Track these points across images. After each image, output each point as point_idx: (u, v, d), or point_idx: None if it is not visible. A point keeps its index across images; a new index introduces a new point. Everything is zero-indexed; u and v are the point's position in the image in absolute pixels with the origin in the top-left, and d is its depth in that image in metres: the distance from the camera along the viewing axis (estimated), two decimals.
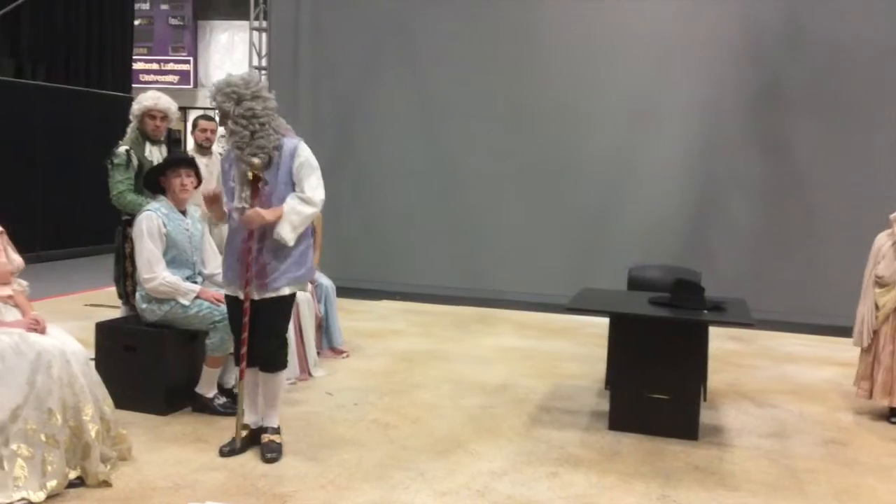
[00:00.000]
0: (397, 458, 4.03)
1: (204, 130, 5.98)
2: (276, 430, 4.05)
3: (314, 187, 3.90)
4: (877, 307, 4.81)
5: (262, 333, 3.96)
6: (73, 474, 3.48)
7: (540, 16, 8.37)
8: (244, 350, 3.95)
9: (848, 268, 7.52)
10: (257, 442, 4.03)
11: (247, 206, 3.84)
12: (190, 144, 7.38)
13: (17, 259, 3.79)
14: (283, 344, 4.05)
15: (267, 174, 3.87)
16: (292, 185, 3.90)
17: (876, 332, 4.83)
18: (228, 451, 3.97)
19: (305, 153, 3.93)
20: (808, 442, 4.47)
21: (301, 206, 3.86)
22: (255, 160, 3.80)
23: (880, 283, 4.81)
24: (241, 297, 3.93)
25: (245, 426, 4.06)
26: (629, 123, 8.15)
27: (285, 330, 4.08)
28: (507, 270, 8.45)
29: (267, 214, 3.82)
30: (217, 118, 4.03)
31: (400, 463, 3.96)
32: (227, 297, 4.11)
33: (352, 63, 8.89)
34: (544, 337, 6.98)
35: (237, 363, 4.05)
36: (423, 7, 8.70)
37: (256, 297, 3.92)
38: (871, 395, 4.86)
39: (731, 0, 7.93)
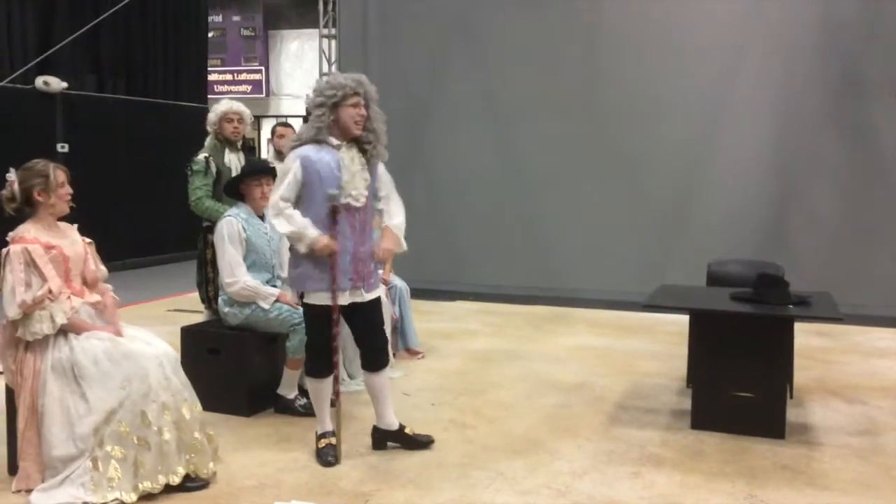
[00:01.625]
0: (476, 457, 4.03)
1: (282, 136, 6.12)
2: None
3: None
4: None
5: (372, 333, 4.07)
6: (180, 473, 3.53)
7: (608, 10, 8.26)
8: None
9: None
10: (382, 445, 4.12)
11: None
12: (266, 152, 7.55)
13: (102, 269, 3.94)
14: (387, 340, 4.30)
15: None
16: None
17: None
18: (334, 460, 3.96)
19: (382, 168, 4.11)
20: None
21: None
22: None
23: None
24: (348, 301, 3.91)
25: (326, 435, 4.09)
26: (704, 116, 7.97)
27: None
28: (581, 268, 8.36)
29: (392, 245, 4.13)
30: (363, 103, 3.90)
31: (479, 462, 3.96)
32: (324, 307, 3.91)
33: (420, 67, 8.94)
34: (620, 335, 6.88)
35: (317, 373, 4.02)
36: (490, 8, 8.68)
37: (368, 298, 4.00)
38: None
39: None
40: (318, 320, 3.94)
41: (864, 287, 7.30)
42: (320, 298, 3.90)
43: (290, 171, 3.84)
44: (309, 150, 3.85)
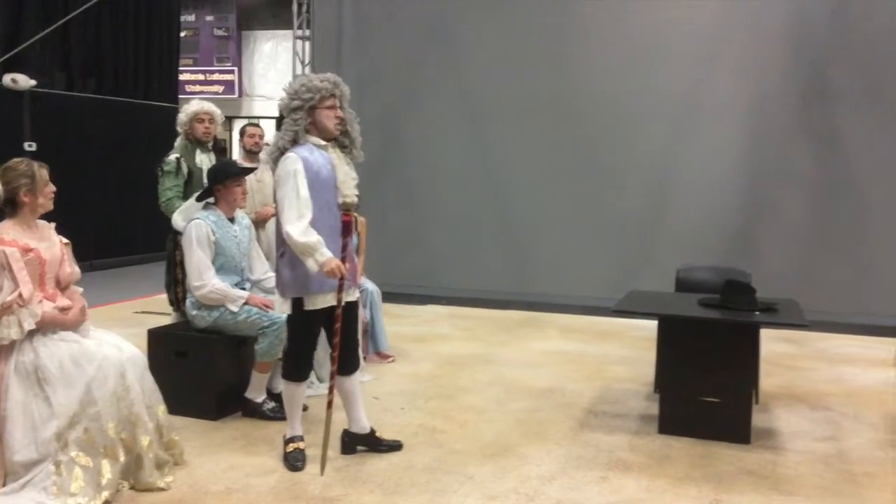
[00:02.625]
0: (445, 462, 4.03)
1: (252, 136, 6.08)
2: None
3: None
4: None
5: (350, 335, 4.01)
6: (125, 486, 3.55)
7: (582, 16, 8.31)
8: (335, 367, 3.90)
9: None
10: (352, 449, 4.10)
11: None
12: (237, 153, 7.51)
13: (76, 270, 3.89)
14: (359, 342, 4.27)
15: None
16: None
17: None
18: (301, 465, 3.92)
19: None
20: (864, 445, 4.36)
21: None
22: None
23: None
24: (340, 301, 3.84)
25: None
26: (675, 122, 8.04)
27: None
28: (553, 274, 8.39)
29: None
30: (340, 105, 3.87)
31: (448, 467, 3.96)
32: (322, 310, 3.87)
33: (395, 68, 8.93)
34: (591, 340, 6.92)
35: (297, 377, 3.97)
36: (465, 10, 8.69)
37: (354, 298, 3.99)
38: None
39: None
40: (312, 324, 3.92)
41: (830, 294, 7.40)
42: (324, 301, 3.83)
43: (296, 174, 3.67)
44: (304, 151, 3.75)
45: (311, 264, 3.65)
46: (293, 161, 3.71)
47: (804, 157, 7.73)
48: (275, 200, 3.90)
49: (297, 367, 3.98)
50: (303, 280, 3.78)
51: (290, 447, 3.97)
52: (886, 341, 6.84)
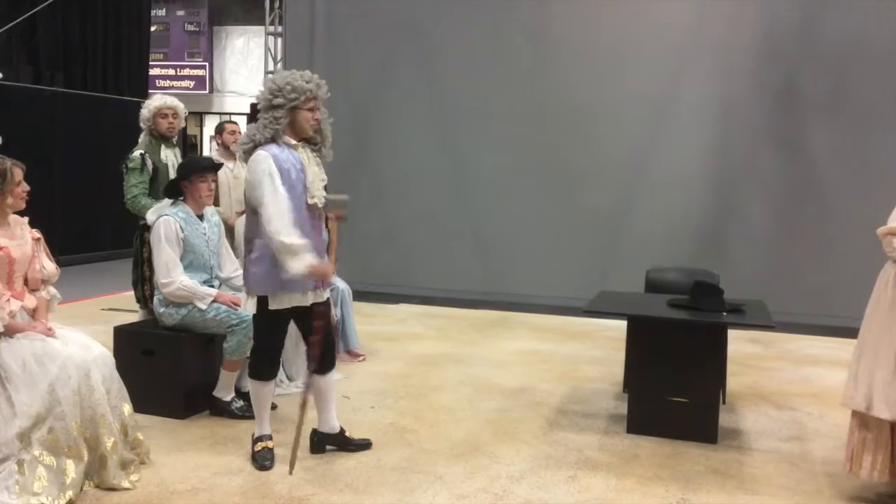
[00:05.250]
0: (415, 461, 4.02)
1: (232, 133, 6.02)
2: None
3: None
4: None
5: (329, 336, 4.04)
6: (90, 485, 3.51)
7: (554, 18, 8.35)
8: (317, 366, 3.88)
9: (867, 269, 7.45)
10: (321, 448, 4.08)
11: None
12: (210, 149, 7.44)
13: (50, 266, 3.82)
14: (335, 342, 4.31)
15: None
16: None
17: None
18: (270, 464, 3.90)
19: None
20: (829, 445, 4.42)
21: None
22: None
23: None
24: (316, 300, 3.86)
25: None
26: (645, 125, 8.11)
27: None
28: (525, 274, 8.42)
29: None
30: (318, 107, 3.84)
31: (418, 466, 3.95)
32: (288, 310, 3.85)
33: (367, 67, 8.90)
34: (562, 340, 6.95)
35: (263, 376, 3.95)
36: (438, 10, 8.69)
37: (325, 297, 3.95)
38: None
39: (746, 0, 7.88)
40: (278, 323, 3.89)
41: (796, 296, 7.50)
42: (290, 301, 3.79)
43: (271, 172, 3.63)
44: (274, 150, 3.71)
45: (294, 265, 3.56)
46: (265, 159, 3.67)
47: (772, 160, 7.84)
48: (245, 198, 3.86)
49: (262, 365, 3.95)
50: (269, 279, 3.75)
51: (259, 446, 3.94)
52: (851, 342, 6.91)
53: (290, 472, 3.76)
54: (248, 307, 4.03)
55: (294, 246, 3.58)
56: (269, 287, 3.78)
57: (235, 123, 6.17)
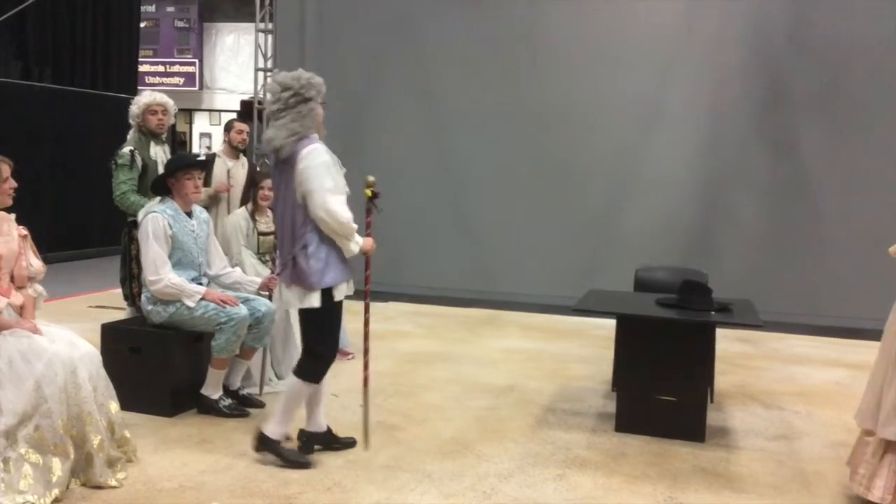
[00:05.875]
0: (404, 459, 4.02)
1: (241, 132, 5.99)
2: None
3: None
4: None
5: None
6: (76, 483, 3.49)
7: (546, 18, 8.36)
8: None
9: (855, 269, 7.52)
10: (310, 449, 4.04)
11: None
12: (199, 146, 7.43)
13: (37, 264, 3.79)
14: None
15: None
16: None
17: None
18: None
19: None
20: (816, 444, 4.44)
21: None
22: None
23: None
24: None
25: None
26: (635, 124, 8.13)
27: None
28: (514, 272, 8.43)
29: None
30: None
31: (406, 464, 3.95)
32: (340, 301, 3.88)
33: (358, 65, 8.88)
34: (551, 338, 6.96)
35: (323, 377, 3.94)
36: (430, 9, 8.69)
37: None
38: None
39: (736, 0, 7.91)
40: (340, 316, 3.95)
41: (784, 295, 7.55)
42: (348, 289, 3.88)
43: (328, 164, 3.70)
44: (320, 142, 3.76)
45: (352, 245, 3.74)
46: (324, 151, 3.73)
47: (761, 160, 7.88)
48: (291, 192, 3.75)
49: (326, 366, 3.91)
50: (332, 268, 3.75)
51: (290, 444, 3.94)
52: (837, 342, 7.01)
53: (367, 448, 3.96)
54: (310, 303, 3.77)
55: (352, 226, 3.72)
56: (334, 276, 3.77)
57: (244, 122, 6.15)
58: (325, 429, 4.10)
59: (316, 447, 4.07)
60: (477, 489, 3.68)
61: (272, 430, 3.89)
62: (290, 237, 3.78)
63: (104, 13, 12.49)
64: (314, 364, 3.88)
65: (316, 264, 3.72)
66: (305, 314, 3.84)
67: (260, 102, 9.45)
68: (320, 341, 3.87)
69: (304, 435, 4.08)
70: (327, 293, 3.77)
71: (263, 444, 3.88)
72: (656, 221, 8.01)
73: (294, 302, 3.80)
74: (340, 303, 3.86)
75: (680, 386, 4.41)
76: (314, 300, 3.75)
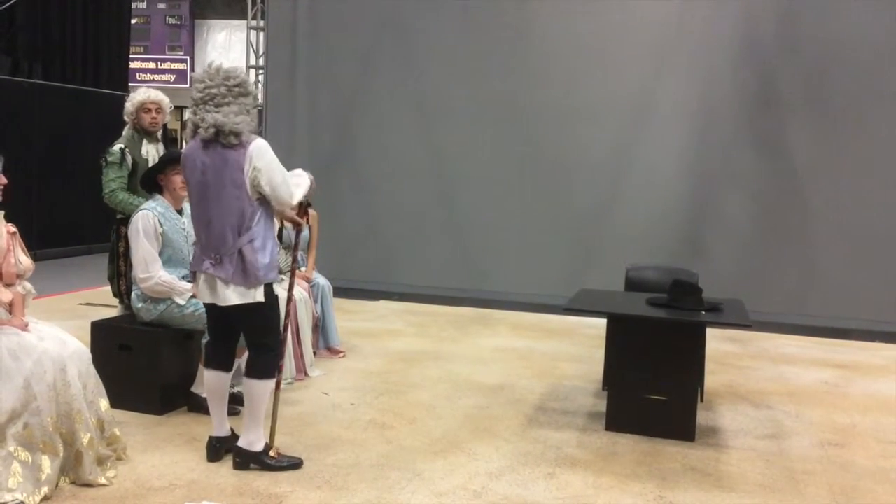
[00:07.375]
0: (394, 458, 4.02)
1: None
2: None
3: None
4: None
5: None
6: (65, 481, 3.47)
7: (536, 16, 8.36)
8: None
9: (845, 269, 7.57)
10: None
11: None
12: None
13: (25, 261, 3.77)
14: None
15: None
16: None
17: None
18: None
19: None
20: (804, 443, 4.46)
21: None
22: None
23: None
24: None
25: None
26: (625, 124, 8.14)
27: None
28: (505, 271, 8.44)
29: None
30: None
31: (396, 463, 3.95)
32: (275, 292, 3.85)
33: (349, 62, 8.87)
34: (542, 337, 6.97)
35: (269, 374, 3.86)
36: (421, 7, 8.68)
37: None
38: None
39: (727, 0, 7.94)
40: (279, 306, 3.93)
41: (774, 295, 7.59)
42: (277, 288, 3.91)
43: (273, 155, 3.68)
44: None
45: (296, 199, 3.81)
46: (268, 146, 3.66)
47: (751, 160, 7.90)
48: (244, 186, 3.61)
49: (278, 360, 3.90)
50: (273, 263, 3.72)
51: (272, 453, 3.83)
52: (826, 342, 7.04)
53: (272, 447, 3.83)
54: (256, 297, 3.68)
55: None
56: (275, 272, 3.76)
57: None
58: (228, 433, 3.96)
59: (307, 444, 4.07)
60: (467, 488, 3.69)
61: (248, 442, 3.78)
62: (232, 231, 3.60)
63: (95, 9, 12.44)
64: (266, 359, 3.80)
65: (263, 258, 3.64)
66: (248, 310, 3.68)
67: None
68: (268, 334, 3.81)
69: (217, 441, 3.93)
70: (268, 286, 3.73)
71: (244, 458, 3.78)
72: (647, 221, 8.03)
73: (234, 298, 3.63)
74: (277, 294, 3.85)
75: (670, 385, 4.42)
76: (259, 295, 3.66)
